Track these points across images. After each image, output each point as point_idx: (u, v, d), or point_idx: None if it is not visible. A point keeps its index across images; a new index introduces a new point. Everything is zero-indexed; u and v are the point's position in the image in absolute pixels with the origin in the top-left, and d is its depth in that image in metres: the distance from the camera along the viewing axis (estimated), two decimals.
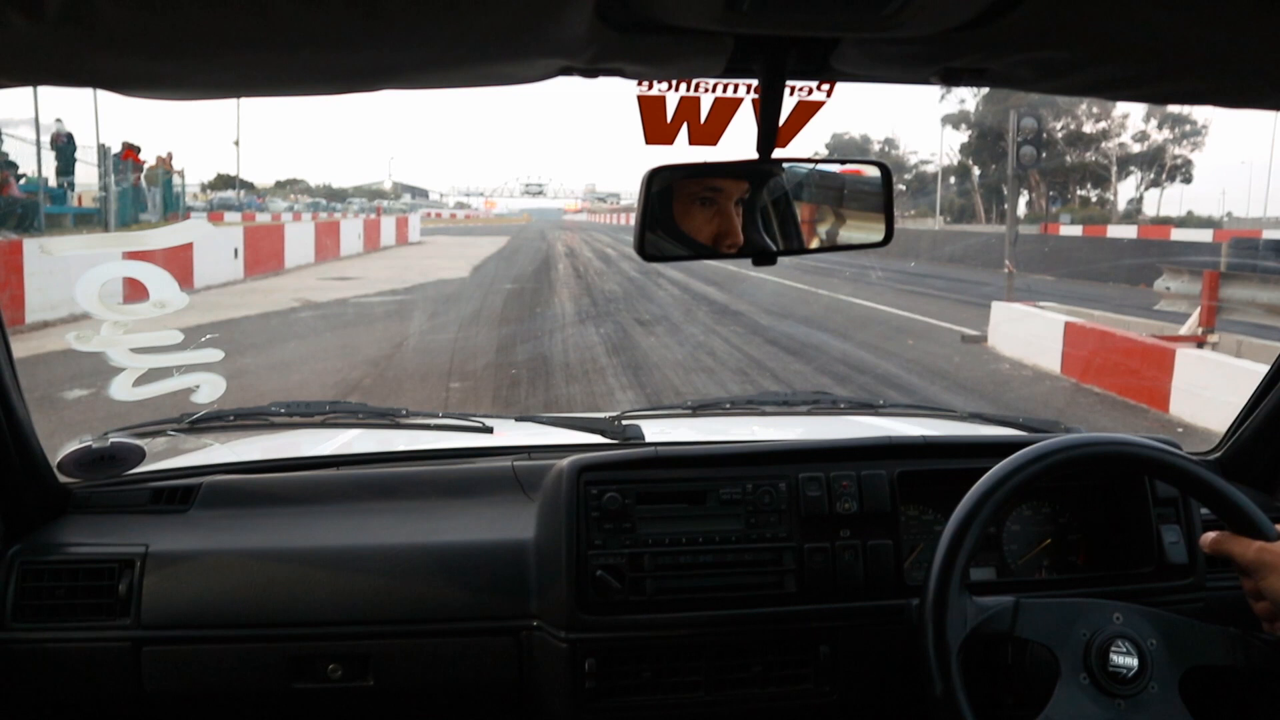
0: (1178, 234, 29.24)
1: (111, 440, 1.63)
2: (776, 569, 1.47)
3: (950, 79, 0.99)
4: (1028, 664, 1.26)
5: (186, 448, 1.92)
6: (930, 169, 54.41)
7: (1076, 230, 33.18)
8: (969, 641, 1.21)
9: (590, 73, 0.96)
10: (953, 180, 53.45)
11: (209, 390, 1.78)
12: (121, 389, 1.69)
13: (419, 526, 1.54)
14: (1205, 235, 27.54)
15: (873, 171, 1.20)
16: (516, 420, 1.95)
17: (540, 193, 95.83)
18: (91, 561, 1.45)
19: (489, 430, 1.82)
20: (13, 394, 1.44)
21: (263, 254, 17.28)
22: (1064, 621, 1.23)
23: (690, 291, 15.89)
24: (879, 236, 1.18)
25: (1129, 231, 32.13)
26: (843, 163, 1.22)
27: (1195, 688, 1.23)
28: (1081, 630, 1.22)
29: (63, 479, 1.60)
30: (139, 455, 1.65)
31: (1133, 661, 1.19)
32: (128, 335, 1.66)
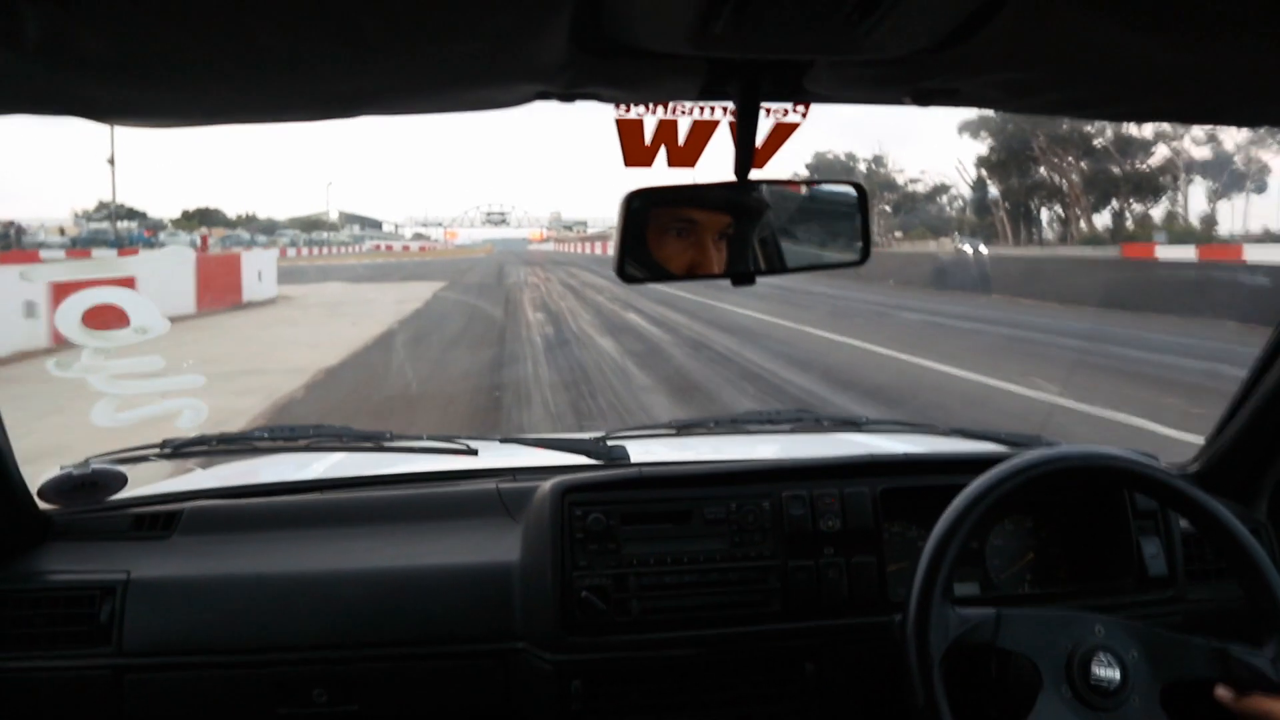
0: None
1: (92, 466, 1.62)
2: (761, 588, 1.47)
3: (922, 99, 1.01)
4: (1010, 676, 1.27)
5: (169, 473, 1.91)
6: (919, 188, 51.44)
7: (1185, 253, 24.98)
8: (951, 652, 1.22)
9: (567, 97, 0.97)
10: (958, 197, 48.15)
11: (192, 416, 1.77)
12: (104, 415, 1.69)
13: (404, 550, 1.54)
14: None
15: (849, 192, 1.22)
16: (501, 442, 1.95)
17: (503, 221, 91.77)
18: (72, 589, 1.44)
19: (474, 453, 1.82)
20: None
21: None
22: (1046, 634, 1.23)
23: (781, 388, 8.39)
24: (855, 256, 1.19)
25: (1268, 254, 22.40)
26: (819, 184, 1.24)
27: (1177, 700, 1.24)
28: (1063, 642, 1.23)
29: (43, 506, 1.58)
30: (120, 481, 1.64)
31: (1114, 674, 1.20)
32: (109, 361, 1.66)
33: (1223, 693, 1.24)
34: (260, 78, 0.86)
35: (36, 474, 1.58)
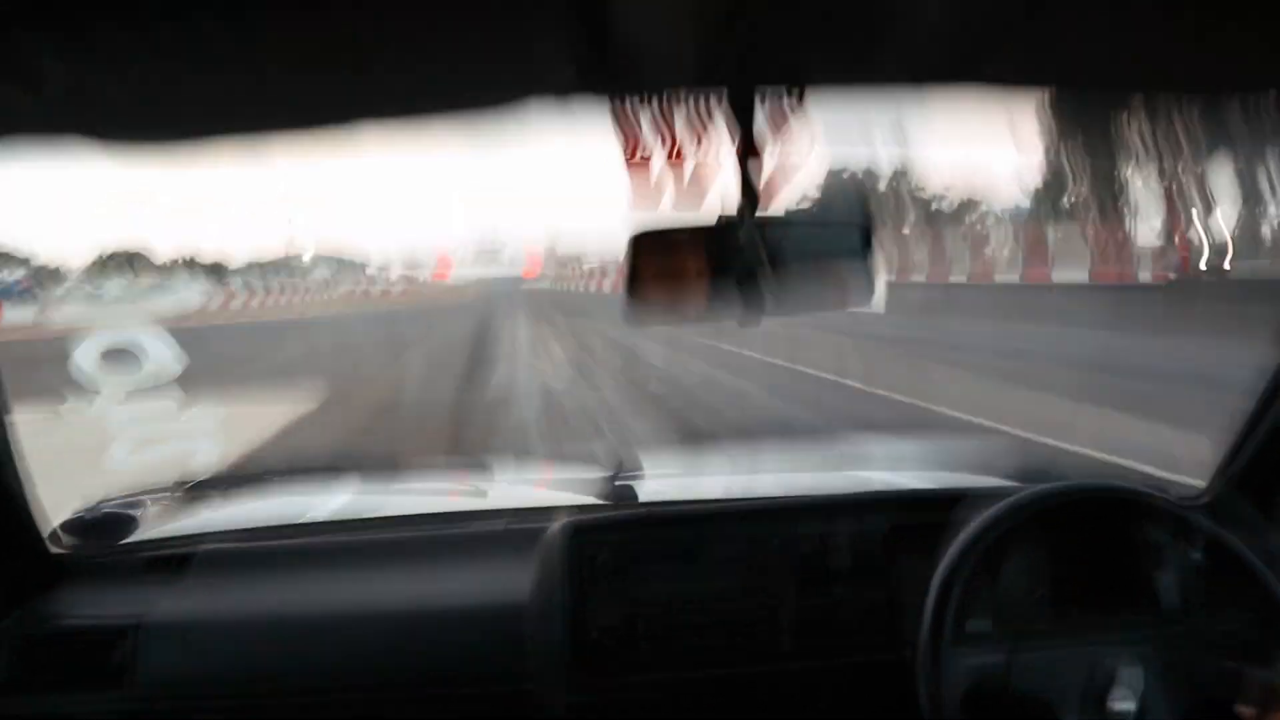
0: None
1: (104, 509, 1.63)
2: (772, 626, 1.46)
3: (928, 123, 1.03)
4: (1027, 717, 1.25)
5: (182, 514, 1.91)
6: (944, 206, 47.92)
7: None
8: (965, 703, 1.21)
9: (562, 103, 0.98)
10: (989, 213, 44.51)
11: (204, 456, 1.78)
12: (119, 455, 1.70)
13: (414, 590, 1.53)
14: None
15: (856, 229, 1.22)
16: (511, 481, 1.95)
17: (495, 260, 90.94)
18: (86, 632, 1.44)
19: (484, 493, 1.82)
20: (8, 462, 1.44)
21: None
22: (1058, 672, 1.23)
23: None
24: (862, 294, 1.20)
25: None
26: (826, 223, 1.24)
27: None
28: (1076, 679, 1.22)
29: (56, 549, 1.59)
30: (133, 523, 1.65)
31: (1130, 706, 1.19)
32: (125, 402, 1.67)
33: (1245, 712, 1.23)
34: (250, 88, 0.86)
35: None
